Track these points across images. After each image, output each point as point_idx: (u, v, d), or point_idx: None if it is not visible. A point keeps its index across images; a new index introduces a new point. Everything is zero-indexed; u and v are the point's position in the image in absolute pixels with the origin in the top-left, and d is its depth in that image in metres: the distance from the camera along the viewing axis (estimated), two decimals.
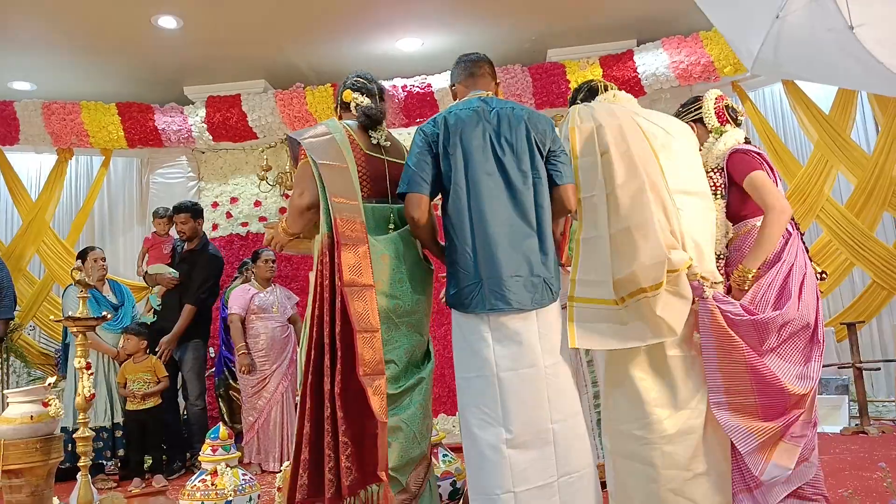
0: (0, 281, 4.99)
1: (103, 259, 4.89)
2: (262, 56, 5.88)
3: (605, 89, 2.74)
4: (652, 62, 5.74)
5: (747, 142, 2.72)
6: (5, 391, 3.72)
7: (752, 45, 2.80)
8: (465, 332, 2.38)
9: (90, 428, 3.33)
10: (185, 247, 5.07)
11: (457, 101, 2.64)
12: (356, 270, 2.35)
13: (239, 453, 3.44)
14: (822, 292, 2.67)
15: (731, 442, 2.38)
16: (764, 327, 2.37)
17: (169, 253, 5.15)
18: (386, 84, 5.86)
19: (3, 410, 3.50)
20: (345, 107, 2.71)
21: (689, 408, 2.39)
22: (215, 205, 6.33)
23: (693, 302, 2.37)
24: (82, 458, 3.17)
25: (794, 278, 2.46)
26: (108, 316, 3.96)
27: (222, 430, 3.38)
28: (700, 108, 2.79)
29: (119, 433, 4.63)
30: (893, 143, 5.35)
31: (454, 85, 2.71)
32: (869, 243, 5.37)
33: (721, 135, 2.71)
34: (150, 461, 4.64)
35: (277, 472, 3.21)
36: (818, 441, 2.54)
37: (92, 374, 3.25)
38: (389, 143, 2.69)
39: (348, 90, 2.70)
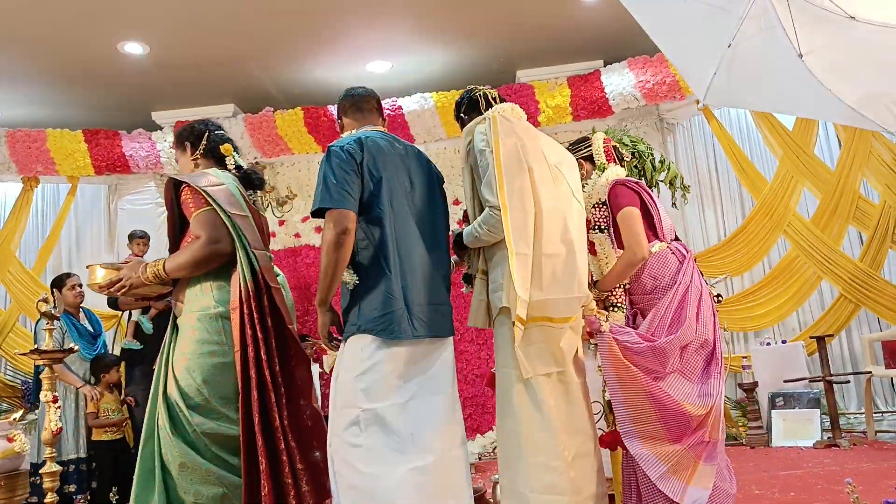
0: None
1: (80, 286, 4.75)
2: (231, 80, 5.86)
3: (496, 100, 2.66)
4: (619, 82, 5.81)
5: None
6: None
7: (704, 75, 2.85)
8: (378, 359, 2.29)
9: (59, 461, 3.25)
10: None
11: (343, 133, 2.62)
12: (287, 312, 2.51)
13: None
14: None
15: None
16: (662, 352, 2.45)
17: None
18: None
19: None
20: (217, 158, 2.72)
21: (583, 433, 2.41)
22: None
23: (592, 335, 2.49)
24: (48, 494, 3.08)
25: (691, 299, 2.56)
26: (76, 348, 3.91)
27: None
28: (590, 146, 2.94)
29: (85, 466, 4.53)
30: (855, 159, 5.45)
31: (341, 118, 2.70)
32: (835, 257, 5.45)
33: (603, 171, 2.84)
34: (117, 496, 4.51)
35: None
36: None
37: (59, 407, 3.18)
38: (256, 204, 2.77)
39: (228, 144, 2.73)
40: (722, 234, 5.97)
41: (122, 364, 4.78)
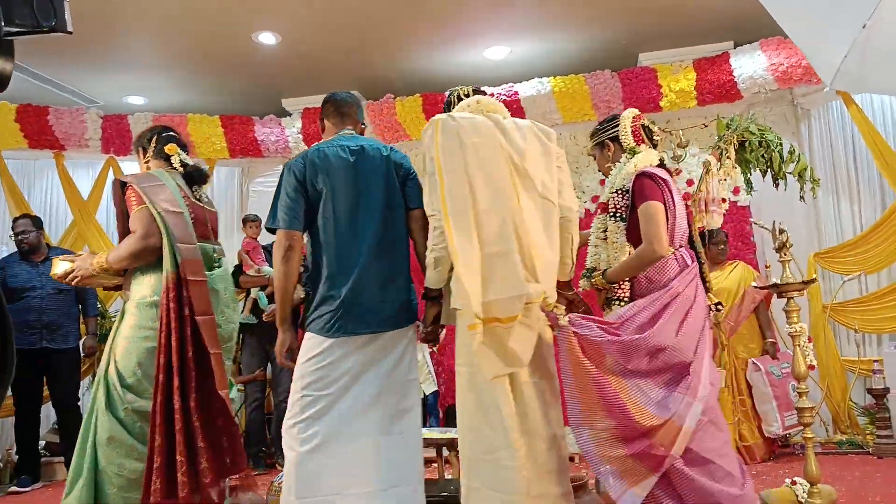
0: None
1: None
2: (355, 68, 6.07)
3: (459, 100, 2.64)
4: (749, 65, 5.52)
5: (661, 163, 2.69)
6: None
7: (833, 58, 2.65)
8: (320, 353, 2.54)
9: None
10: None
11: (324, 136, 2.82)
12: (205, 303, 2.76)
13: None
14: None
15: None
16: (625, 349, 2.33)
17: (264, 257, 5.41)
18: None
19: None
20: (165, 158, 3.01)
21: (534, 434, 2.37)
22: None
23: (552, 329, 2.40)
24: None
25: (676, 308, 2.40)
26: None
27: None
28: (617, 126, 2.76)
29: None
30: None
31: (323, 120, 2.84)
32: None
33: (634, 155, 2.68)
34: None
35: None
36: None
37: None
38: (206, 198, 3.07)
39: (172, 144, 3.03)
40: (858, 229, 5.55)
41: (241, 336, 5.16)
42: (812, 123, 5.81)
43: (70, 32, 1.76)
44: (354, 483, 2.46)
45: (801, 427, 3.04)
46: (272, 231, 2.67)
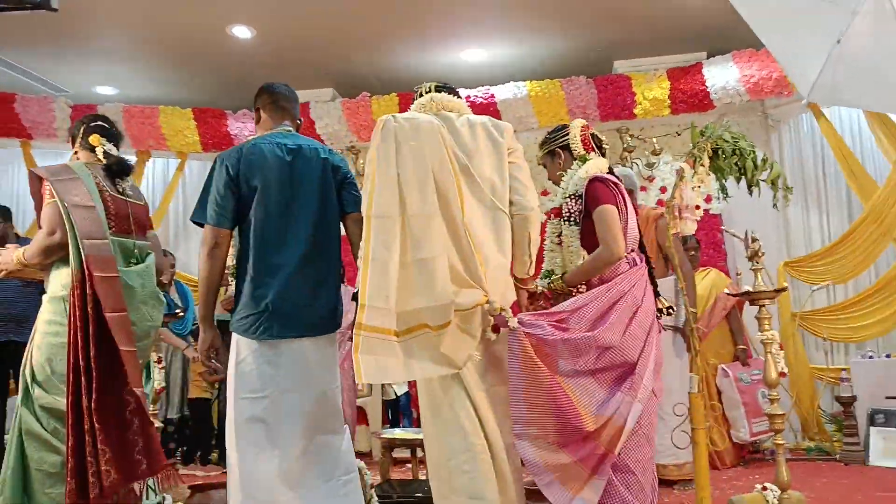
0: None
1: (172, 266, 5.12)
2: (331, 65, 6.02)
3: (427, 92, 2.60)
4: (722, 75, 5.60)
5: (611, 171, 2.73)
6: None
7: (809, 71, 2.70)
8: (248, 355, 2.50)
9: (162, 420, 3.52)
10: None
11: (258, 127, 2.78)
12: (117, 298, 2.66)
13: None
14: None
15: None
16: (575, 347, 2.33)
17: None
18: None
19: None
20: (90, 149, 2.91)
21: (493, 441, 2.35)
22: None
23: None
24: None
25: (623, 309, 2.42)
26: (181, 314, 4.20)
27: None
28: (567, 135, 2.81)
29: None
30: None
31: (259, 109, 2.77)
32: None
33: (584, 162, 2.71)
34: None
35: None
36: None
37: (163, 368, 3.42)
38: (132, 190, 2.97)
39: (96, 135, 2.92)
40: (826, 240, 5.66)
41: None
42: (782, 135, 5.92)
43: (55, 9, 1.71)
44: (290, 483, 2.45)
45: (771, 433, 3.08)
46: (199, 224, 2.59)
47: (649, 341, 2.45)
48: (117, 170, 2.90)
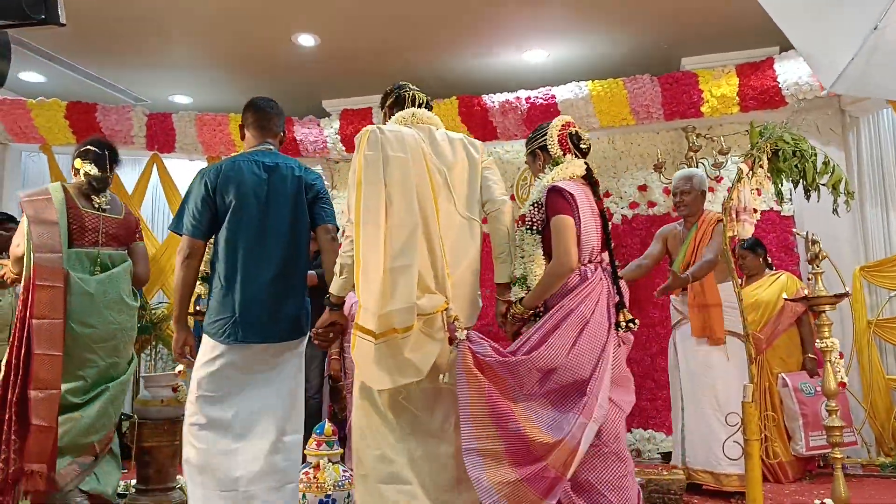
0: None
1: None
2: (392, 69, 6.09)
3: (412, 102, 2.69)
4: (794, 70, 5.34)
5: (588, 173, 2.66)
6: (142, 375, 4.19)
7: (837, 61, 2.59)
8: (214, 356, 2.68)
9: None
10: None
11: (245, 144, 2.97)
12: (50, 307, 2.97)
13: (342, 450, 3.61)
14: None
15: None
16: (514, 370, 2.28)
17: None
18: (510, 96, 5.93)
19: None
20: (76, 172, 3.30)
21: (435, 436, 2.40)
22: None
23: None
24: None
25: (567, 327, 2.35)
26: None
27: (327, 426, 3.56)
28: (545, 135, 2.73)
29: None
30: None
31: (242, 126, 2.96)
32: None
33: (556, 165, 2.66)
34: None
35: None
36: None
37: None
38: (109, 205, 3.33)
39: (78, 159, 3.31)
40: None
41: None
42: (861, 131, 5.60)
43: (63, 24, 1.81)
44: (244, 482, 2.61)
45: (830, 448, 2.94)
46: (177, 233, 2.82)
47: (603, 357, 2.39)
48: (92, 188, 3.25)
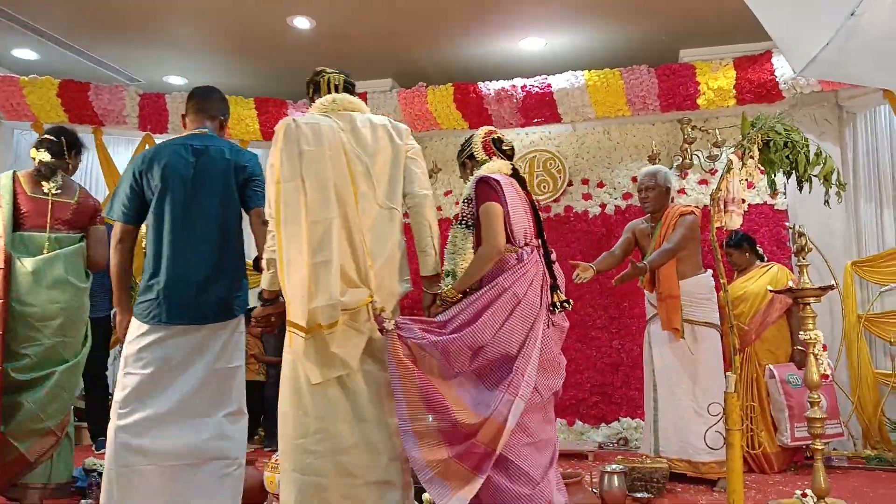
0: None
1: None
2: (388, 54, 6.07)
3: (330, 87, 2.67)
4: None
5: (515, 172, 2.76)
6: None
7: (810, 46, 2.59)
8: (140, 335, 2.69)
9: None
10: None
11: (185, 129, 2.96)
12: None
13: None
14: None
15: None
16: (445, 350, 2.37)
17: None
18: (505, 84, 5.90)
19: None
20: (33, 159, 3.42)
21: (368, 421, 2.40)
22: None
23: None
24: None
25: (500, 306, 2.43)
26: None
27: None
28: (471, 145, 2.83)
29: None
30: None
31: (185, 115, 2.99)
32: None
33: (482, 165, 2.75)
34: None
35: None
36: None
37: None
38: (61, 189, 3.38)
39: (33, 148, 3.42)
40: None
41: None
42: (857, 127, 5.59)
43: None
44: (170, 457, 2.61)
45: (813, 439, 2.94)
46: (110, 219, 2.83)
47: (532, 336, 2.47)
48: (40, 174, 3.38)
